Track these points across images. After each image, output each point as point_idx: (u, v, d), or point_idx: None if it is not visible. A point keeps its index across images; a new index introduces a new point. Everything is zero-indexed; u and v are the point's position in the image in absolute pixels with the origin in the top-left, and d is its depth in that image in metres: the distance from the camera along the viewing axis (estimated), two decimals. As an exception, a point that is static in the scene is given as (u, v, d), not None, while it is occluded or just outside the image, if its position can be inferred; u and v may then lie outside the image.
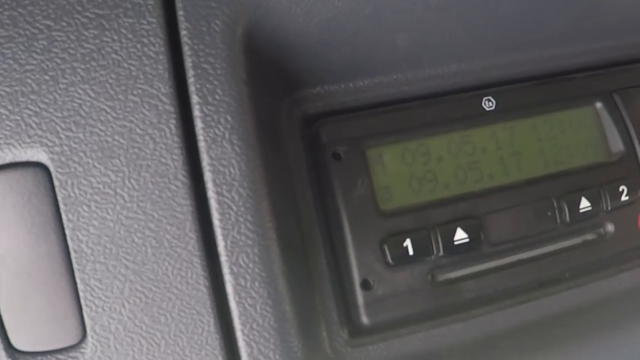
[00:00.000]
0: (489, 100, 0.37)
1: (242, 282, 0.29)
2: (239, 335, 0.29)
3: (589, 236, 0.37)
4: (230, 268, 0.29)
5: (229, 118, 0.29)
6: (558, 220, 0.36)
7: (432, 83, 0.36)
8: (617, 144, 0.38)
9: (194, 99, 0.29)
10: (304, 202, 0.34)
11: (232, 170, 0.29)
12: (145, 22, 0.29)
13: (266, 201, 0.29)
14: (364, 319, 0.33)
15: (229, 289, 0.29)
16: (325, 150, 0.34)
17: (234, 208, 0.29)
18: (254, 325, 0.29)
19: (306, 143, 0.35)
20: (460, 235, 0.34)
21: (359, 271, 0.33)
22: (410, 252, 0.33)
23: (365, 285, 0.33)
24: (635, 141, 0.38)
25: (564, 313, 0.36)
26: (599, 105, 0.39)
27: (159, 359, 0.29)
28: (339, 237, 0.33)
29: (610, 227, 0.37)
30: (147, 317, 0.29)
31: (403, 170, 0.35)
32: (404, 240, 0.33)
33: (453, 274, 0.34)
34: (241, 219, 0.29)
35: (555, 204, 0.36)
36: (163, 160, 0.28)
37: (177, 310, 0.29)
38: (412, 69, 0.36)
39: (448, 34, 0.34)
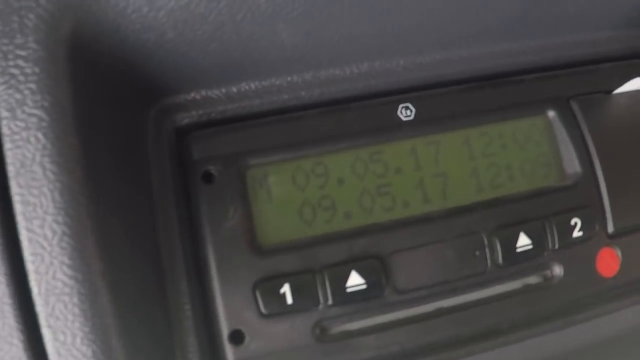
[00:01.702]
0: (407, 108, 0.30)
1: (62, 338, 0.24)
2: (63, 402, 0.25)
3: (532, 280, 0.30)
4: (47, 320, 0.24)
5: (40, 136, 0.23)
6: (488, 261, 0.29)
7: (337, 87, 0.30)
8: (572, 164, 0.31)
9: (2, 112, 0.24)
10: (167, 236, 0.28)
11: (44, 200, 0.23)
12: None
13: (90, 239, 0.24)
14: (235, 379, 0.28)
15: (48, 345, 0.24)
16: (195, 169, 0.29)
17: (47, 247, 0.23)
18: (81, 391, 0.24)
19: (177, 162, 0.29)
20: (355, 281, 0.28)
21: (228, 321, 0.27)
22: (289, 300, 0.27)
23: (236, 338, 0.27)
24: (595, 160, 0.31)
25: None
26: (551, 114, 0.32)
27: None
28: (206, 278, 0.28)
29: (558, 270, 0.30)
30: (-45, 375, 0.24)
31: (293, 196, 0.29)
32: (281, 286, 0.27)
33: (346, 327, 0.28)
34: (56, 262, 0.23)
35: (485, 241, 0.29)
36: (-37, 187, 0.24)
37: (-11, 369, 0.24)
38: (309, 69, 0.29)
39: (348, 24, 0.28)
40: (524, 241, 0.30)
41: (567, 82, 0.33)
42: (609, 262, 0.31)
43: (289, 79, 0.30)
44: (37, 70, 0.24)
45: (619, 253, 0.31)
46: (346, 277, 0.28)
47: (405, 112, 0.30)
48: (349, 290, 0.28)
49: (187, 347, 0.28)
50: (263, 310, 0.27)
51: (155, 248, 0.28)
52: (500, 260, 0.29)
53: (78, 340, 0.24)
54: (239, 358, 0.27)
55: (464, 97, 0.31)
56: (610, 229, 0.31)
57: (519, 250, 0.29)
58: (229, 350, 0.27)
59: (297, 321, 0.28)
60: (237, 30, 0.26)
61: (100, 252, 0.24)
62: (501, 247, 0.29)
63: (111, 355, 0.24)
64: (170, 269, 0.28)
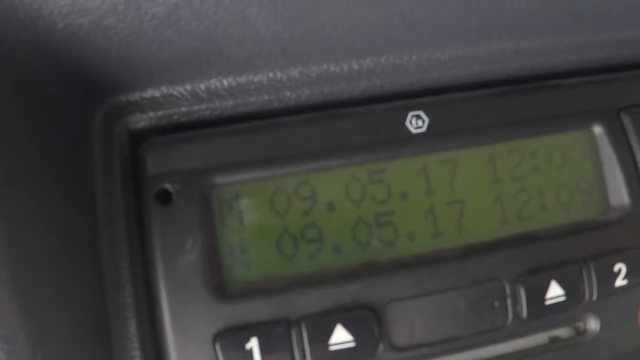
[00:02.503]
0: (418, 117, 0.25)
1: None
2: None
3: (561, 332, 0.25)
4: None
5: None
6: (510, 314, 0.24)
7: (330, 87, 0.24)
8: (619, 193, 0.26)
9: None
10: (113, 268, 0.23)
11: None
12: None
13: (5, 273, 0.19)
14: None
15: None
16: (149, 187, 0.23)
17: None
18: None
19: (129, 175, 0.24)
20: (341, 337, 0.23)
21: (183, 380, 0.23)
22: (256, 357, 0.22)
23: (192, 400, 0.23)
24: (650, 190, 0.26)
25: None
26: (597, 129, 0.26)
27: None
28: (159, 325, 0.23)
29: (593, 323, 0.25)
30: None
31: (270, 223, 0.23)
32: (248, 340, 0.22)
33: (331, 390, 0.23)
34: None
35: (507, 290, 0.24)
36: None
37: None
38: (297, 64, 0.24)
39: (344, 9, 0.22)
40: (555, 291, 0.24)
41: (619, 90, 0.27)
42: (656, 315, 0.26)
43: (270, 75, 0.24)
44: None
45: (671, 304, 0.26)
46: (330, 331, 0.23)
47: (416, 123, 0.25)
48: (332, 348, 0.22)
49: (134, 409, 0.23)
50: (224, 369, 0.22)
51: (97, 283, 0.23)
52: (524, 313, 0.24)
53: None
54: None
55: (490, 105, 0.25)
56: (663, 274, 0.26)
57: (548, 302, 0.24)
58: (183, 416, 0.22)
59: (269, 382, 0.23)
60: (197, 14, 0.20)
61: (15, 292, 0.19)
62: (527, 297, 0.24)
63: None
64: (117, 310, 0.23)
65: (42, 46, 0.20)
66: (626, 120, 0.26)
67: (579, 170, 0.26)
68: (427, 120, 0.25)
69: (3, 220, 0.19)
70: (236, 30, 0.21)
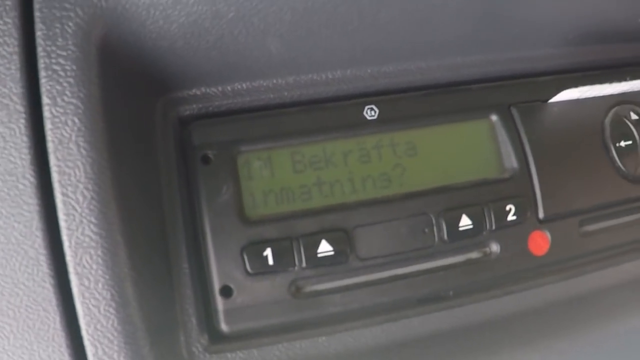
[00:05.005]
0: (372, 109, 0.40)
1: (86, 283, 0.33)
2: (84, 334, 0.33)
3: (473, 255, 0.40)
4: (75, 268, 0.33)
5: (76, 120, 0.32)
6: (436, 237, 0.39)
7: (314, 89, 0.39)
8: (510, 160, 0.41)
9: (45, 100, 0.32)
10: (171, 207, 0.37)
11: (77, 172, 0.32)
12: (1, 22, 0.32)
13: (113, 204, 0.33)
14: (224, 326, 0.36)
15: (74, 288, 0.33)
16: (195, 153, 0.38)
17: (78, 209, 0.32)
18: (98, 326, 0.33)
19: (179, 146, 0.38)
20: (325, 248, 0.37)
21: (219, 278, 0.36)
22: (270, 261, 0.36)
23: (225, 292, 0.36)
24: (530, 158, 0.41)
25: (443, 333, 0.39)
26: (494, 118, 0.41)
27: (8, 352, 0.33)
28: (203, 242, 0.37)
29: (495, 247, 0.40)
30: (-5, 310, 0.33)
31: (274, 178, 0.38)
32: (264, 249, 0.36)
33: (317, 287, 0.37)
34: (85, 221, 0.32)
35: (433, 221, 0.39)
36: (12, 159, 0.32)
37: (24, 306, 0.33)
38: (292, 74, 0.39)
39: (325, 40, 0.37)
40: (465, 222, 0.39)
41: (509, 91, 0.43)
42: (539, 242, 0.40)
43: (274, 81, 0.39)
44: (74, 67, 0.33)
45: (549, 235, 0.41)
46: (317, 244, 0.37)
47: (370, 113, 0.40)
48: (319, 255, 0.37)
49: (184, 298, 0.37)
50: (249, 269, 0.36)
51: (160, 216, 0.37)
52: (445, 236, 0.39)
53: (100, 285, 0.33)
54: (228, 309, 0.36)
55: (421, 101, 0.41)
56: (541, 215, 0.41)
57: (461, 229, 0.39)
58: (219, 302, 0.36)
59: (277, 280, 0.37)
60: (235, 41, 0.36)
61: (120, 214, 0.33)
62: (446, 225, 0.39)
63: (125, 299, 0.33)
64: (172, 234, 0.37)
65: (135, 59, 0.35)
66: (514, 112, 0.42)
67: (482, 145, 0.41)
68: (377, 111, 0.40)
69: (112, 171, 0.33)
70: (257, 51, 0.36)
